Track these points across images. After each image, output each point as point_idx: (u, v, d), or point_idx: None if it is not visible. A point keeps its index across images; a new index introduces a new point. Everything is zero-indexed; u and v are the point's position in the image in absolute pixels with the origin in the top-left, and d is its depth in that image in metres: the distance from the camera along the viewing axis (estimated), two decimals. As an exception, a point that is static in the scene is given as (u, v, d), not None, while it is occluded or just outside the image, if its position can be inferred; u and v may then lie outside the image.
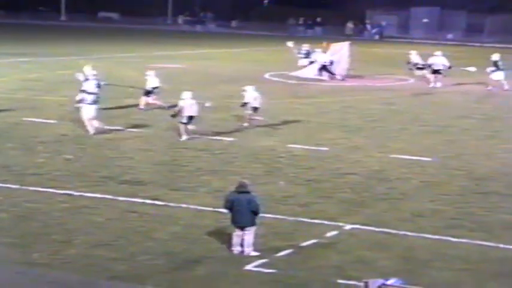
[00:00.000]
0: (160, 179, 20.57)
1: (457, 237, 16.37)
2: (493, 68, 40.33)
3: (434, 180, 21.22)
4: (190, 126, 25.47)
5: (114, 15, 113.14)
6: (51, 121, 28.23)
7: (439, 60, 41.09)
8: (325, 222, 17.18)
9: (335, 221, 17.21)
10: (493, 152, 25.10)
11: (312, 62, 44.03)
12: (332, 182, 20.82)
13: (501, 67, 40.25)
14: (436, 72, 40.81)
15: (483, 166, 22.96)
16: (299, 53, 45.50)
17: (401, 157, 23.72)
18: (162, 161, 22.56)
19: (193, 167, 21.98)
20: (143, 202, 18.36)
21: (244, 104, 27.92)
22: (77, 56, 50.89)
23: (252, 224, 15.15)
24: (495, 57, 40.63)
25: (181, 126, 25.54)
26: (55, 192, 18.95)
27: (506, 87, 39.80)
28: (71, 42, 64.64)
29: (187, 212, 17.79)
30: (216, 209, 17.41)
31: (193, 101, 25.74)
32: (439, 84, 40.51)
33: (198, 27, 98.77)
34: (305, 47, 46.18)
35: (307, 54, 45.04)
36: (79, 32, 78.93)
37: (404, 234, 16.55)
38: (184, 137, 25.30)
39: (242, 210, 15.05)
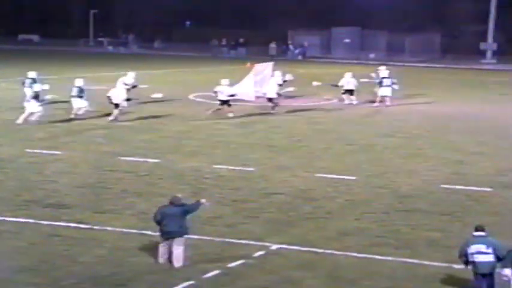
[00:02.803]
0: (85, 201, 20.31)
1: (383, 255, 16.52)
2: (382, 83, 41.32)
3: (359, 199, 21.40)
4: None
5: (35, 37, 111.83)
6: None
7: (351, 80, 41.92)
8: (252, 242, 17.16)
9: (262, 241, 17.21)
10: (416, 170, 25.43)
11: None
12: (258, 202, 20.82)
13: (386, 83, 41.23)
14: (348, 91, 41.48)
15: (407, 184, 23.25)
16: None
17: (326, 176, 23.87)
18: (86, 184, 22.28)
19: (118, 189, 21.76)
20: (67, 226, 18.08)
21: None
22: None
23: (181, 233, 15.20)
24: (383, 73, 41.67)
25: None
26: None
27: (388, 103, 40.95)
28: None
29: (112, 234, 17.59)
30: (142, 231, 17.28)
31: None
32: (355, 102, 41.17)
33: (122, 49, 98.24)
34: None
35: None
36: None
37: (331, 253, 16.62)
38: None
39: (171, 220, 15.23)
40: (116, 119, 33.21)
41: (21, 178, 22.82)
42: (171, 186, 22.16)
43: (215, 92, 36.19)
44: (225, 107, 35.66)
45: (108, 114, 33.73)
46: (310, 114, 38.09)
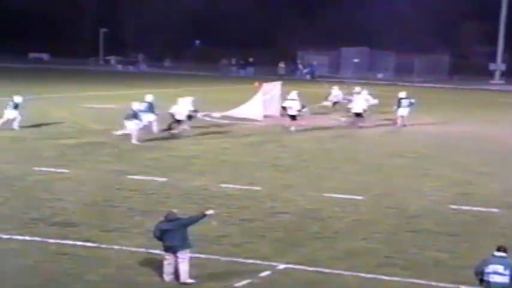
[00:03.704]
0: (92, 220, 20.29)
1: (390, 276, 16.45)
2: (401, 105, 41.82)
3: (367, 219, 21.34)
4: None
5: (45, 56, 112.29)
6: (-20, 162, 27.73)
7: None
8: (259, 262, 17.11)
9: (269, 261, 17.16)
10: (423, 190, 25.37)
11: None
12: (265, 221, 20.78)
13: (404, 104, 41.67)
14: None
15: (414, 204, 23.18)
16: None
17: (334, 196, 23.83)
18: (93, 202, 22.28)
19: (125, 207, 21.76)
20: (74, 244, 18.06)
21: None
22: (6, 96, 50.19)
23: (183, 246, 15.20)
24: (401, 94, 42.19)
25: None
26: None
27: (404, 123, 41.41)
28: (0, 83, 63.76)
29: (119, 253, 17.56)
30: (149, 250, 17.25)
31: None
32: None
33: (131, 68, 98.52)
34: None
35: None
36: (9, 73, 77.95)
37: (338, 274, 16.55)
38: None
39: (172, 234, 15.27)
40: (176, 132, 34.82)
41: (28, 196, 22.84)
42: (178, 204, 22.08)
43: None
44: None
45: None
46: (318, 134, 38.11)
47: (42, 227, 19.45)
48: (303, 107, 39.38)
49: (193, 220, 15.85)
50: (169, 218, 15.59)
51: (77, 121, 39.24)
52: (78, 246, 17.91)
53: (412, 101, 42.10)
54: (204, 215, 16.04)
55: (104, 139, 33.64)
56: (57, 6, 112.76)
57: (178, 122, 34.85)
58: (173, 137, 34.25)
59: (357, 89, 44.83)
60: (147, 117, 34.85)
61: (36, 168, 26.54)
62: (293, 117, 38.35)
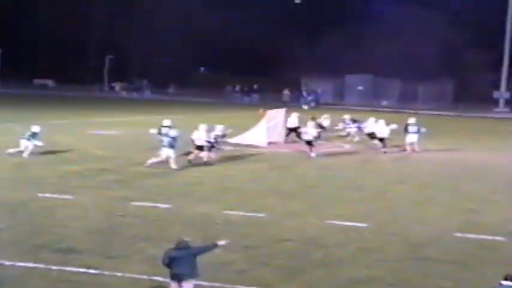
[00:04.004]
0: (95, 246, 20.22)
1: (394, 304, 16.35)
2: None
3: (371, 246, 21.24)
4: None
5: (50, 82, 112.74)
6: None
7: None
8: (262, 289, 17.03)
9: (272, 288, 17.07)
10: (428, 217, 25.28)
11: None
12: (269, 248, 20.70)
13: (412, 130, 42.20)
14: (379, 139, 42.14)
15: (418, 232, 23.08)
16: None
17: (337, 223, 23.75)
18: (97, 229, 22.21)
19: (128, 234, 21.68)
20: (77, 271, 17.98)
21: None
22: (11, 122, 50.36)
23: (191, 275, 15.08)
24: (410, 120, 42.70)
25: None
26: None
27: (414, 149, 41.78)
28: (5, 109, 63.96)
29: (122, 280, 17.48)
30: (152, 277, 17.17)
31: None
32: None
33: (135, 94, 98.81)
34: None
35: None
36: (14, 99, 78.21)
37: (342, 301, 16.47)
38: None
39: (181, 262, 15.09)
40: (206, 160, 35.00)
41: (31, 222, 22.77)
42: (181, 231, 22.02)
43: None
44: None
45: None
46: (321, 160, 38.07)
47: (45, 254, 19.37)
48: (319, 134, 39.58)
49: (204, 250, 15.72)
50: (180, 246, 15.40)
51: (81, 147, 39.23)
52: (81, 273, 17.82)
53: (423, 130, 42.31)
54: (216, 245, 15.95)
55: (108, 165, 33.64)
56: (64, 33, 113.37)
57: (200, 148, 34.96)
58: (204, 164, 34.36)
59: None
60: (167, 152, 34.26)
61: (40, 194, 26.51)
62: (309, 143, 38.35)
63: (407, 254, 20.64)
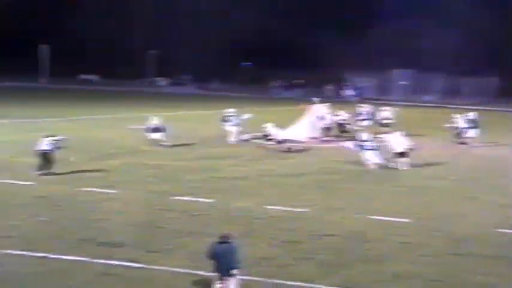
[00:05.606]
0: (137, 240, 20.37)
1: (436, 299, 16.26)
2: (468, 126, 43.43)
3: (413, 242, 21.14)
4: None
5: (94, 78, 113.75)
6: (28, 183, 28.01)
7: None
8: (303, 284, 17.02)
9: (313, 283, 17.06)
10: (469, 213, 25.08)
11: None
12: (310, 243, 20.69)
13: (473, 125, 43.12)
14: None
15: (460, 227, 22.91)
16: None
17: (379, 218, 23.66)
18: (139, 223, 22.38)
19: (170, 228, 21.81)
20: (119, 264, 18.14)
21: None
22: (56, 118, 50.88)
23: (234, 269, 15.24)
24: (472, 115, 43.39)
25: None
26: (31, 255, 18.70)
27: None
28: (50, 105, 64.63)
29: (164, 274, 17.59)
30: (194, 271, 17.26)
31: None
32: None
33: (178, 89, 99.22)
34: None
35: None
36: (59, 95, 78.97)
37: (383, 296, 16.42)
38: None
39: (225, 255, 15.22)
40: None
41: (74, 216, 23.02)
42: (222, 226, 22.08)
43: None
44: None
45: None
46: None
47: (89, 247, 19.57)
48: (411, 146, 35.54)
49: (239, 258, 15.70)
50: (224, 240, 15.51)
51: (122, 142, 39.55)
52: (124, 267, 17.98)
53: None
54: None
55: (150, 160, 33.84)
56: (110, 30, 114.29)
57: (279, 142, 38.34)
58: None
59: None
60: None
61: (82, 189, 26.76)
62: (402, 154, 34.61)
63: (450, 249, 20.49)
